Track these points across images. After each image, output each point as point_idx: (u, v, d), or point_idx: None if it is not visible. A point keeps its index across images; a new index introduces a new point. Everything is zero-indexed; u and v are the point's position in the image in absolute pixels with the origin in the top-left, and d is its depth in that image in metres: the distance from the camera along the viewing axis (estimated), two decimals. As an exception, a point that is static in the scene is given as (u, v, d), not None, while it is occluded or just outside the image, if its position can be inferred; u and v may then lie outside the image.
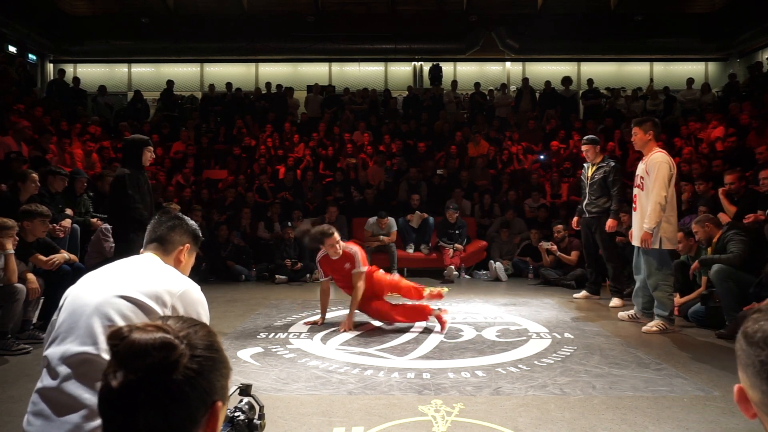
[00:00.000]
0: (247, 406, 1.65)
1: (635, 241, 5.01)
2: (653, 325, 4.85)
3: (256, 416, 1.65)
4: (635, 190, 5.05)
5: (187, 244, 2.03)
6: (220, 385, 0.93)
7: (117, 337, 0.87)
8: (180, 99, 12.95)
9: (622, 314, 5.35)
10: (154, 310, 1.67)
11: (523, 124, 11.72)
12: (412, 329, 4.86)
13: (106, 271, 1.83)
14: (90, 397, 1.57)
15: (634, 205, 5.10)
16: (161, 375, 0.85)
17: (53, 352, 1.65)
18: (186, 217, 2.09)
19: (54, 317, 1.75)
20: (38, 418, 1.60)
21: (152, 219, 2.07)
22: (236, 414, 1.61)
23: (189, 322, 0.96)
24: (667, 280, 4.85)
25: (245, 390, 1.68)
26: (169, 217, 2.05)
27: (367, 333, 4.75)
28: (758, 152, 6.81)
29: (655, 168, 4.76)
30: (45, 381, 1.63)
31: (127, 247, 4.24)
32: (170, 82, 12.69)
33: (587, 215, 6.20)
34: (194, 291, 1.80)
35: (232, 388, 1.66)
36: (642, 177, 4.92)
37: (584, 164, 6.41)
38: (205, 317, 1.80)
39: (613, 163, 6.17)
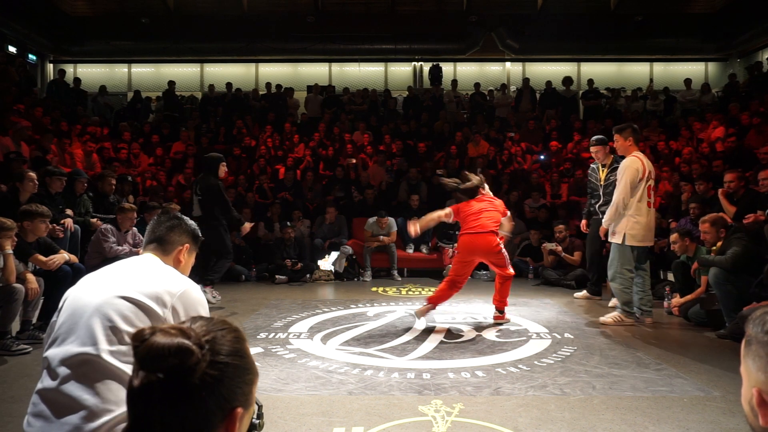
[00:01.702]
0: None
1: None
2: (609, 316, 5.11)
3: (255, 415, 1.65)
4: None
5: (187, 244, 2.02)
6: (241, 392, 0.93)
7: (138, 339, 0.90)
8: (180, 99, 12.95)
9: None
10: (154, 310, 1.67)
11: (523, 125, 11.72)
12: (412, 329, 4.87)
13: (105, 272, 1.83)
14: (90, 398, 1.57)
15: None
16: (178, 379, 0.87)
17: (53, 353, 1.64)
18: (185, 217, 2.08)
19: (54, 318, 1.75)
20: (38, 419, 1.60)
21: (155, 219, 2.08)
22: None
23: (218, 324, 0.96)
24: (624, 274, 5.09)
25: None
26: (168, 217, 2.04)
27: (367, 333, 4.75)
28: (760, 153, 6.81)
29: (622, 170, 5.09)
30: (45, 382, 1.63)
31: (218, 240, 5.85)
32: (171, 83, 12.70)
33: (600, 216, 6.11)
34: (194, 291, 1.80)
35: None
36: (617, 179, 5.23)
37: (592, 165, 6.34)
38: (205, 316, 1.80)
39: None
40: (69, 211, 5.90)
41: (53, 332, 1.70)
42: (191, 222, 2.09)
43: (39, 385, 1.65)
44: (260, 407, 1.69)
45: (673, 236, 5.63)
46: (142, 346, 0.89)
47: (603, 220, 5.24)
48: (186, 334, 0.90)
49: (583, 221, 6.48)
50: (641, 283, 5.18)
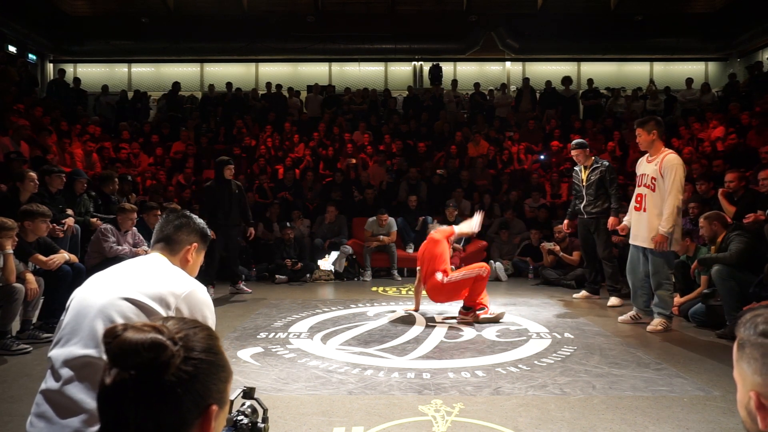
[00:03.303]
0: (249, 410, 1.63)
1: (641, 242, 4.97)
2: (657, 323, 4.88)
3: (260, 419, 1.64)
4: (642, 190, 4.96)
5: (195, 243, 1.98)
6: (216, 389, 0.91)
7: (110, 335, 0.88)
8: (182, 99, 12.97)
9: (623, 317, 5.28)
10: (156, 312, 1.65)
11: (523, 124, 11.72)
12: (412, 329, 4.87)
13: (111, 272, 1.80)
14: (91, 402, 1.56)
15: (636, 205, 5.04)
16: (152, 375, 0.85)
17: (57, 353, 1.63)
18: (193, 216, 2.03)
19: (62, 317, 1.75)
20: (41, 419, 1.59)
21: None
22: (239, 418, 1.60)
23: (190, 323, 0.95)
24: (669, 279, 4.95)
25: (249, 393, 1.66)
26: (176, 215, 1.99)
27: (367, 333, 4.75)
28: (762, 152, 6.81)
29: (672, 171, 4.73)
30: (49, 383, 1.62)
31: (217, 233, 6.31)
32: (176, 84, 12.77)
33: (586, 216, 6.22)
34: (200, 292, 1.77)
35: (236, 391, 1.66)
36: (654, 178, 4.85)
37: (575, 167, 6.48)
38: (210, 318, 1.77)
39: (606, 163, 6.26)
40: (70, 211, 5.90)
41: (58, 332, 1.70)
42: (200, 220, 2.04)
43: (43, 386, 1.64)
44: (265, 411, 1.68)
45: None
46: (114, 342, 0.87)
47: (661, 228, 4.73)
48: (159, 330, 0.89)
49: (565, 221, 6.63)
50: (642, 285, 5.18)
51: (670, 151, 4.93)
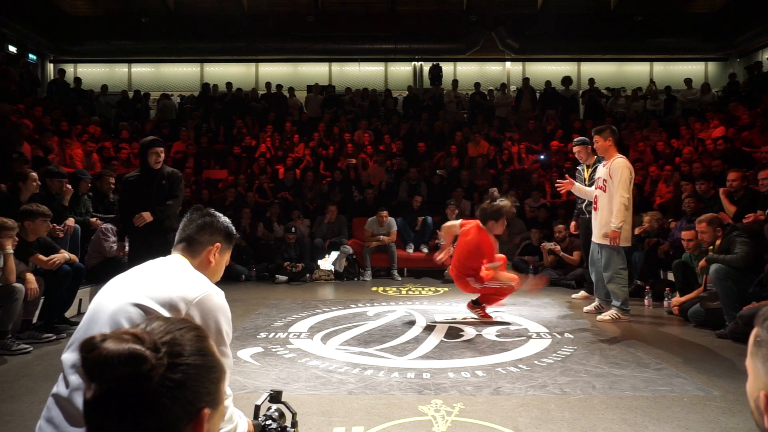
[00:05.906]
0: (276, 413, 1.61)
1: (595, 238, 5.43)
2: (607, 314, 5.26)
3: (289, 423, 1.62)
4: (597, 192, 5.43)
5: (218, 244, 1.90)
6: (207, 392, 0.87)
7: (86, 349, 0.83)
8: (217, 97, 13.00)
9: (587, 308, 5.64)
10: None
11: (523, 124, 11.73)
12: (412, 329, 4.87)
13: (128, 276, 1.76)
14: None
15: (594, 206, 5.47)
16: (132, 387, 0.81)
17: (67, 357, 1.62)
18: (218, 215, 1.95)
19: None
20: (49, 424, 1.57)
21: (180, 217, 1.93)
22: (267, 423, 1.57)
23: (177, 324, 0.90)
24: (620, 274, 5.25)
25: (276, 397, 1.63)
26: (199, 215, 1.91)
27: (367, 333, 4.75)
28: (760, 152, 6.82)
29: (617, 172, 5.16)
30: (59, 387, 1.60)
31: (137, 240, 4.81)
32: (206, 85, 13.15)
33: (587, 215, 6.19)
34: (215, 296, 1.71)
35: (263, 395, 1.63)
36: (605, 180, 5.30)
37: (578, 166, 6.48)
38: (225, 324, 1.71)
39: None
40: (69, 187, 5.88)
41: (73, 335, 1.68)
42: (224, 219, 1.96)
43: (54, 389, 1.61)
44: (294, 414, 1.65)
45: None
46: (89, 356, 0.81)
47: (612, 224, 5.14)
48: (139, 339, 0.83)
49: (573, 223, 6.60)
50: (602, 278, 5.40)
51: (620, 156, 5.33)
